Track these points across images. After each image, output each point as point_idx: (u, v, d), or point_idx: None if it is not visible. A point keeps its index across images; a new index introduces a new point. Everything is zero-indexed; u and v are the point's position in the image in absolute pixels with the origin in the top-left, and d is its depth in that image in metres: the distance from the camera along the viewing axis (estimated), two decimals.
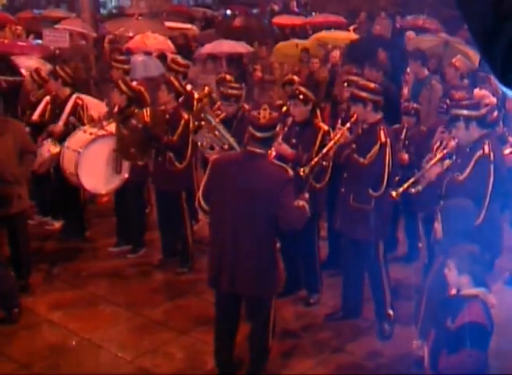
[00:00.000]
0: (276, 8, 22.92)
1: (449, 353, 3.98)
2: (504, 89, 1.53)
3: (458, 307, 4.03)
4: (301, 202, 5.18)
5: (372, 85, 6.33)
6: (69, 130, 8.17)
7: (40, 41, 13.68)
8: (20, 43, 13.81)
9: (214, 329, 5.48)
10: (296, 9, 22.68)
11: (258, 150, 5.08)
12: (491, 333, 4.00)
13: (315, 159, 6.32)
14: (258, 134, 5.07)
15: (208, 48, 13.28)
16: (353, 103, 6.24)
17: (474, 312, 3.97)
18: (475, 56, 10.10)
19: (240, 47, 13.73)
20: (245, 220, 5.02)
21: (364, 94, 6.10)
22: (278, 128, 5.19)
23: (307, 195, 5.34)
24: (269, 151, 5.27)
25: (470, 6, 1.54)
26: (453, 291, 4.18)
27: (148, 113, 7.54)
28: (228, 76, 7.99)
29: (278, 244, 5.49)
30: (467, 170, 5.49)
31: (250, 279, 5.09)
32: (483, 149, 5.45)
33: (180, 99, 7.67)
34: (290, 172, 5.10)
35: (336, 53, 12.42)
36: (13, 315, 6.57)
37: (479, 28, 1.52)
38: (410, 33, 13.06)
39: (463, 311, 3.99)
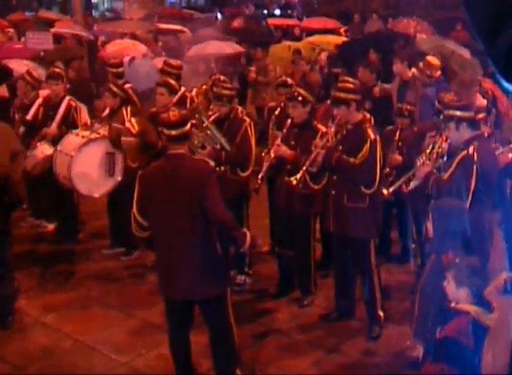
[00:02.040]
0: (247, 12, 22.84)
1: (431, 362, 3.97)
2: (506, 85, 1.55)
3: (447, 319, 4.02)
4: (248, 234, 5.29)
5: (351, 85, 6.35)
6: (63, 132, 8.16)
7: None
8: (16, 46, 13.80)
9: (168, 339, 5.44)
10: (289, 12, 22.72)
11: (178, 150, 5.11)
12: (472, 353, 3.91)
13: (304, 168, 6.32)
14: (173, 132, 5.07)
15: (194, 50, 13.22)
16: (336, 106, 6.25)
17: (457, 328, 3.92)
18: (478, 68, 10.14)
19: (228, 48, 13.62)
20: (182, 224, 4.99)
21: (344, 95, 6.13)
22: (188, 126, 5.20)
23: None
24: (186, 149, 5.29)
25: (474, 3, 1.56)
26: (452, 304, 4.15)
27: (134, 123, 7.53)
28: (222, 77, 7.99)
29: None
30: (450, 170, 5.53)
31: (200, 282, 5.08)
32: (467, 150, 5.49)
33: (174, 100, 7.67)
34: (211, 163, 5.18)
35: (324, 56, 12.44)
36: (7, 322, 6.55)
37: (483, 25, 1.54)
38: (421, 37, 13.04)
39: (449, 324, 3.97)
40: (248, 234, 5.27)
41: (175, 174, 5.06)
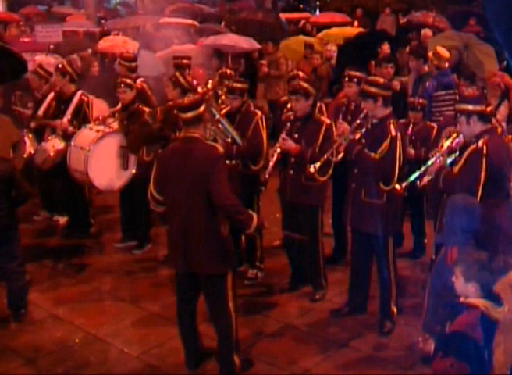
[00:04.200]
0: (236, 8, 22.79)
1: (441, 357, 3.96)
2: None
3: (456, 313, 4.00)
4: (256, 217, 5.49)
5: (382, 80, 6.32)
6: (74, 126, 8.17)
7: None
8: (27, 39, 13.85)
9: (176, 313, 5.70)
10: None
11: (193, 134, 5.32)
12: (481, 348, 3.89)
13: (325, 156, 6.32)
14: (184, 115, 5.32)
15: (210, 40, 13.16)
16: (363, 99, 6.22)
17: (467, 322, 3.90)
18: (490, 65, 10.10)
19: (245, 43, 13.50)
20: (189, 202, 5.27)
21: (373, 89, 6.09)
22: (202, 109, 5.36)
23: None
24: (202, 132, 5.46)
25: (493, 3, 1.56)
26: (461, 299, 4.13)
27: (160, 113, 7.58)
28: (229, 71, 7.98)
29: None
30: (460, 163, 5.50)
31: (199, 257, 5.32)
32: (477, 143, 5.44)
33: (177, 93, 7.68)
34: (220, 149, 5.31)
35: (332, 46, 12.38)
36: (20, 315, 6.58)
37: (501, 21, 1.53)
38: (427, 31, 12.98)
39: (458, 319, 3.95)
40: (255, 216, 5.44)
41: (188, 155, 5.29)
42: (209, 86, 8.24)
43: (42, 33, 12.50)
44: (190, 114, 5.28)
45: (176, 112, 5.48)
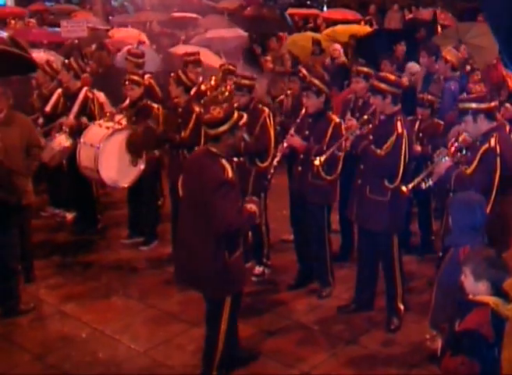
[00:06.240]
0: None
1: (451, 355, 3.95)
2: None
3: (467, 311, 3.98)
4: (251, 206, 5.16)
5: (393, 77, 6.28)
6: (80, 123, 8.18)
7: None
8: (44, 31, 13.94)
9: None
10: None
11: (212, 148, 5.06)
12: (493, 345, 3.84)
13: (331, 149, 6.31)
14: (208, 131, 5.11)
15: (196, 39, 13.17)
16: (373, 94, 6.21)
17: (477, 320, 3.87)
18: (487, 55, 10.04)
19: (229, 32, 13.49)
20: (186, 218, 5.15)
21: (383, 85, 6.07)
22: (226, 126, 5.02)
23: (255, 198, 5.35)
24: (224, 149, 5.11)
25: (492, 5, 1.55)
26: (470, 296, 4.11)
27: (161, 115, 7.58)
28: (231, 67, 7.94)
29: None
30: (474, 164, 5.46)
31: (191, 276, 5.19)
32: (489, 142, 5.39)
33: (192, 92, 7.68)
34: (228, 173, 4.93)
35: (337, 46, 12.35)
36: (9, 307, 6.54)
37: (500, 25, 1.53)
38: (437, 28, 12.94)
39: (468, 316, 3.94)
40: (253, 207, 5.14)
41: (192, 166, 5.19)
42: (212, 83, 8.22)
43: (67, 28, 12.57)
44: (212, 131, 5.02)
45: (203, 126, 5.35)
